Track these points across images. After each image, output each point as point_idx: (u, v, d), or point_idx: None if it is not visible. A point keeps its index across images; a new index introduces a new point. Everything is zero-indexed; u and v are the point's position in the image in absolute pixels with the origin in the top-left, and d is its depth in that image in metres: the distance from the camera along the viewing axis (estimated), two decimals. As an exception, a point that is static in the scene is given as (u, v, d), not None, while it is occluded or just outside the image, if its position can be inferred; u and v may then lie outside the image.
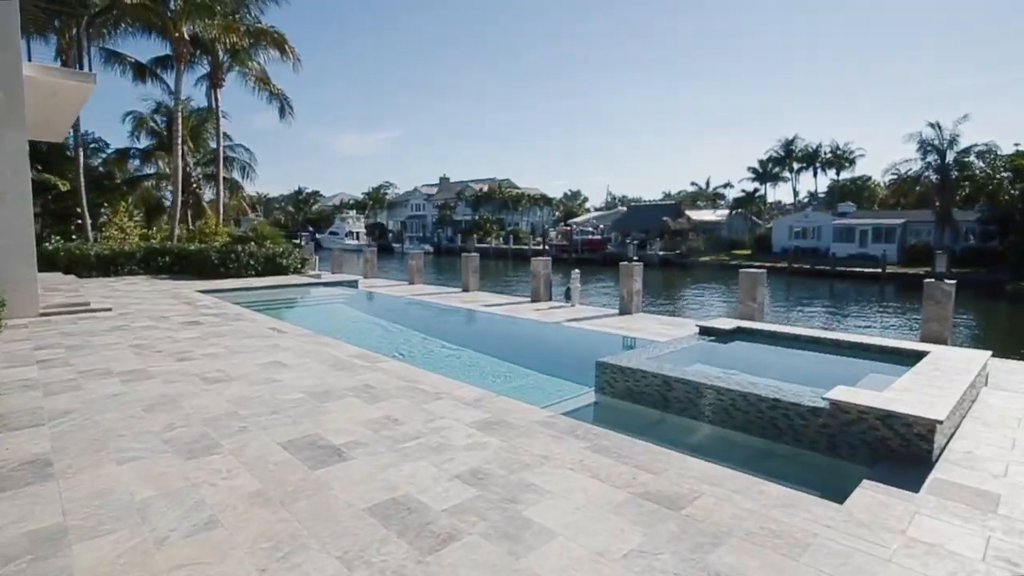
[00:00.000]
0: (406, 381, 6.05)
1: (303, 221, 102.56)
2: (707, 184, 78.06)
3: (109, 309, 10.93)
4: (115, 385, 5.80)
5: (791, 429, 4.82)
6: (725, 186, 73.54)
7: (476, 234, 69.83)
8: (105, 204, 22.08)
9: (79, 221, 20.66)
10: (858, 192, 57.29)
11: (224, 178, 28.83)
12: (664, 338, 8.43)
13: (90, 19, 18.95)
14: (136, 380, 6.00)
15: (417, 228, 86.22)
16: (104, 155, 25.74)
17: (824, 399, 4.65)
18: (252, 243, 18.51)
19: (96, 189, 22.76)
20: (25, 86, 9.83)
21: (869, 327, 21.68)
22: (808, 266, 39.53)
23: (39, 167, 19.51)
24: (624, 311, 11.99)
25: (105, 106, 36.10)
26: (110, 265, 18.09)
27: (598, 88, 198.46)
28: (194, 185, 25.72)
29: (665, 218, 54.55)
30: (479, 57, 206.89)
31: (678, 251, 49.65)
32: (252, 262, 18.08)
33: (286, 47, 21.66)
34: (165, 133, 26.82)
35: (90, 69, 19.87)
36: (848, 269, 37.86)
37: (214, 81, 22.61)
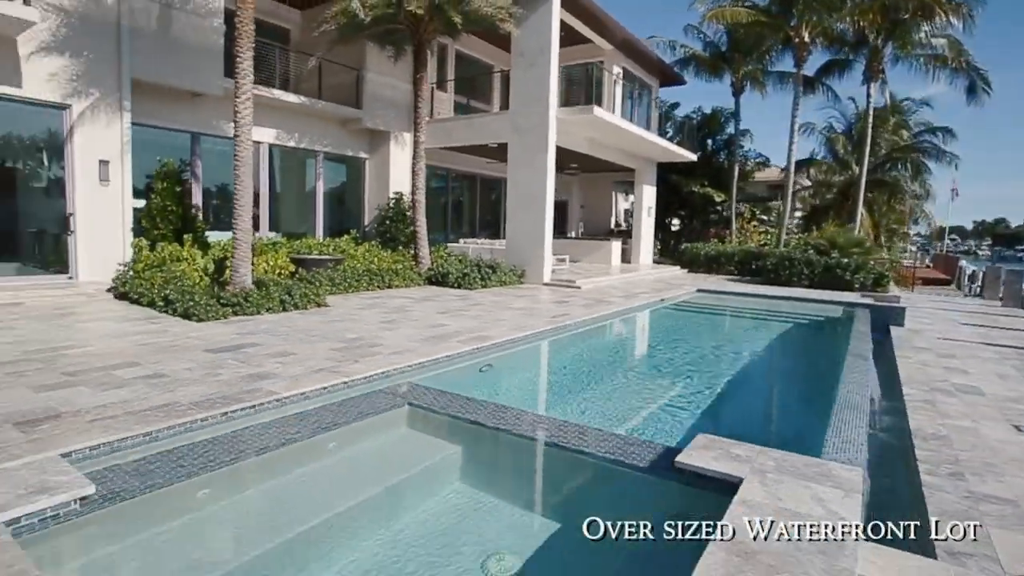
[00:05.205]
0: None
1: None
2: None
3: (579, 287, 14.00)
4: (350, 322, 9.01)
5: None
6: None
7: None
8: (755, 211, 24.64)
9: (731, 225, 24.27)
10: None
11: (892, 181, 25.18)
12: None
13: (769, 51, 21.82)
14: (362, 320, 8.99)
15: None
16: (767, 168, 27.84)
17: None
18: (812, 251, 16.60)
19: (749, 199, 25.64)
20: (552, 123, 14.12)
21: None
22: None
23: (705, 182, 24.18)
24: None
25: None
26: (712, 263, 20.72)
27: None
28: (852, 189, 23.89)
29: None
30: None
31: None
32: (807, 271, 16.36)
33: (938, 7, 16.87)
34: (844, 139, 26.32)
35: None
36: None
37: (870, 73, 20.48)
